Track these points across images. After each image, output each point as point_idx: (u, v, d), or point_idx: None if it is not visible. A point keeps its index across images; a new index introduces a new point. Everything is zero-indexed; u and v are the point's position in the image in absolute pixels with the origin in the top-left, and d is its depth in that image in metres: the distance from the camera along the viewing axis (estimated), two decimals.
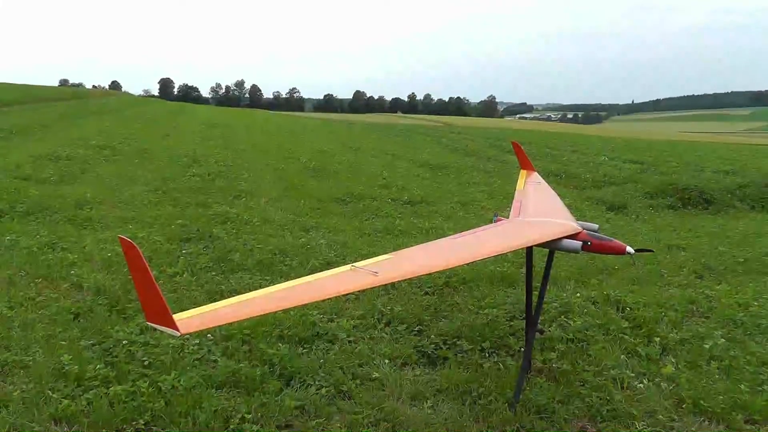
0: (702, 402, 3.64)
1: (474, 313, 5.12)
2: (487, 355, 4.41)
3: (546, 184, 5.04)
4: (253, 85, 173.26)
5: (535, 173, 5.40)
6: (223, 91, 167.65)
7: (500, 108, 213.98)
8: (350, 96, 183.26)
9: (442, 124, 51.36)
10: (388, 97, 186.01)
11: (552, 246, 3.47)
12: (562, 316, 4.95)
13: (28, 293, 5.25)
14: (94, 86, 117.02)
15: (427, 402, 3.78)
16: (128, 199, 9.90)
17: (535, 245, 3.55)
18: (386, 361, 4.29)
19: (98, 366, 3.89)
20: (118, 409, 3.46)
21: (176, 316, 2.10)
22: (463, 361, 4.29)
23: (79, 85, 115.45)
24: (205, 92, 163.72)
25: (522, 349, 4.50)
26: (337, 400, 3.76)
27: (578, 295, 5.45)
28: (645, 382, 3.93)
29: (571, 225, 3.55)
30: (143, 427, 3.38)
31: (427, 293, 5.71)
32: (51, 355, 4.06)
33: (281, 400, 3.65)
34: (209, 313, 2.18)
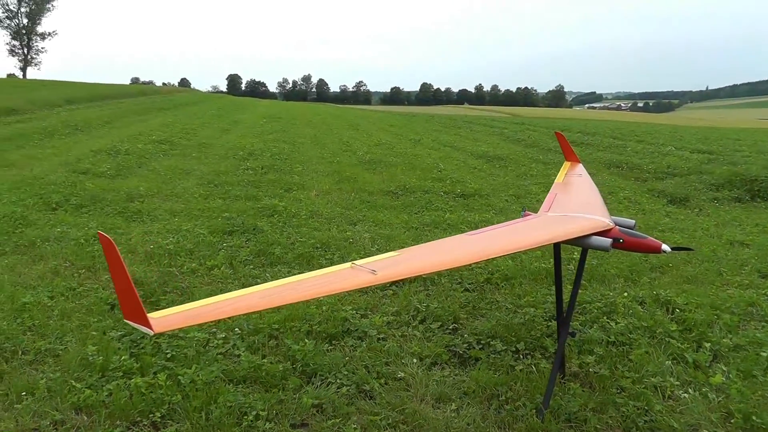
0: (754, 417, 3.34)
1: (512, 312, 4.95)
2: (521, 356, 4.25)
3: (588, 176, 4.81)
4: (320, 79, 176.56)
5: (580, 165, 5.17)
6: (290, 85, 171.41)
7: (569, 98, 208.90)
8: (417, 88, 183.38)
9: (508, 115, 50.49)
10: (455, 89, 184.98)
11: (579, 243, 3.28)
12: (605, 317, 4.71)
13: (70, 283, 5.47)
14: (163, 83, 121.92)
15: (451, 404, 3.67)
16: (180, 192, 10.21)
17: (561, 242, 3.38)
18: (414, 360, 4.21)
19: (123, 357, 3.99)
20: (137, 400, 3.53)
21: (152, 315, 2.10)
22: (494, 363, 4.15)
23: (150, 82, 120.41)
24: (273, 87, 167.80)
25: None
26: (357, 399, 3.71)
27: (625, 294, 5.18)
28: (690, 391, 3.66)
29: (602, 221, 3.36)
30: (159, 420, 3.43)
31: (467, 290, 5.58)
32: (82, 344, 4.21)
33: (299, 398, 3.64)
34: (187, 312, 2.15)
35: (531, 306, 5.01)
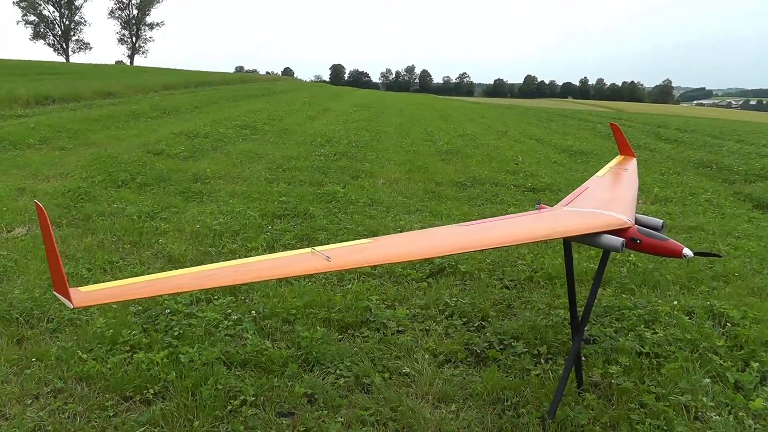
0: None
1: (544, 313, 4.69)
2: (541, 361, 4.01)
3: (634, 172, 4.48)
4: (423, 70, 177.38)
5: (633, 160, 4.83)
6: (393, 76, 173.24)
7: (676, 93, 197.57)
8: (521, 81, 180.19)
9: (610, 110, 48.38)
10: (560, 82, 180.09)
11: (587, 241, 3.04)
12: (643, 326, 4.35)
13: (111, 257, 5.76)
14: (267, 72, 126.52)
15: (452, 405, 3.54)
16: (247, 175, 10.51)
17: (568, 239, 3.14)
18: (427, 356, 4.09)
19: (134, 332, 4.14)
20: (133, 375, 3.65)
21: (81, 289, 2.11)
22: (512, 365, 3.95)
23: (253, 71, 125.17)
24: (375, 77, 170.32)
25: (584, 357, 4.05)
26: (353, 392, 3.64)
27: (675, 302, 4.77)
28: (724, 414, 3.30)
29: (618, 218, 3.08)
30: (152, 396, 3.52)
31: (506, 287, 5.36)
32: (102, 317, 4.41)
33: (292, 386, 3.62)
34: (114, 288, 2.13)
35: (565, 308, 4.73)
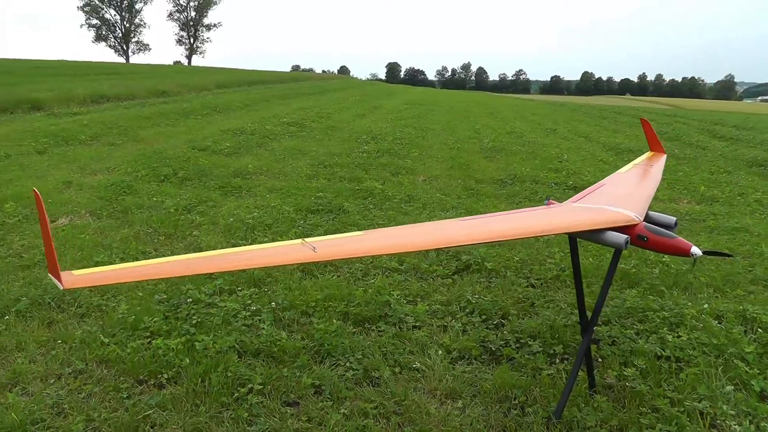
0: None
1: (565, 313, 4.62)
2: (556, 361, 3.96)
3: (660, 169, 4.37)
4: (479, 67, 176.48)
5: (663, 157, 4.71)
6: (449, 73, 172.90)
7: (739, 89, 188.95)
8: (578, 77, 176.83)
9: (668, 107, 46.86)
10: (617, 78, 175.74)
11: (592, 237, 2.99)
12: (666, 329, 4.23)
13: (145, 248, 5.98)
14: (323, 71, 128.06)
15: (458, 402, 3.54)
16: (288, 171, 10.70)
17: (570, 234, 3.10)
18: (440, 352, 4.09)
19: (155, 319, 4.30)
20: (149, 360, 3.80)
21: (74, 272, 2.20)
22: (525, 364, 3.91)
23: (309, 70, 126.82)
24: (431, 75, 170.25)
25: (601, 359, 3.98)
26: (361, 385, 3.68)
27: (705, 305, 4.62)
28: (745, 424, 3.17)
29: (625, 215, 3.02)
30: (165, 380, 3.66)
31: (531, 285, 5.31)
32: (125, 303, 4.60)
33: (300, 376, 3.69)
34: (104, 272, 2.22)
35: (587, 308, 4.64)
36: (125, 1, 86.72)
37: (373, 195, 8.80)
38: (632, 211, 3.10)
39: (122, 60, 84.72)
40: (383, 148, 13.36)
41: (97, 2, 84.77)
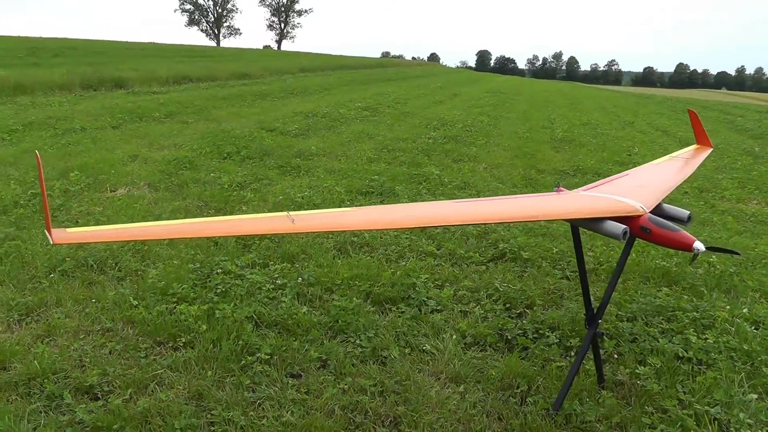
0: None
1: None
2: (570, 354, 3.89)
3: (695, 163, 4.17)
4: (571, 57, 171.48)
5: (707, 151, 4.48)
6: (540, 62, 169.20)
7: None
8: (672, 69, 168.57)
9: (763, 103, 43.85)
10: (714, 71, 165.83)
11: (590, 226, 2.92)
12: (693, 329, 4.05)
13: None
14: (413, 58, 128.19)
15: (461, 386, 3.55)
16: (352, 154, 10.86)
17: (570, 221, 3.03)
18: (455, 336, 4.10)
19: (184, 286, 4.53)
20: (170, 324, 4.01)
21: (69, 230, 2.37)
22: (539, 355, 3.87)
23: (399, 57, 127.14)
24: (522, 64, 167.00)
25: (618, 354, 3.87)
26: (367, 363, 3.75)
27: (744, 310, 4.38)
28: None
29: (628, 205, 2.92)
30: (182, 344, 3.86)
31: (566, 277, 5.20)
32: (161, 270, 4.86)
33: (307, 349, 3.80)
34: (93, 231, 2.38)
35: (614, 303, 4.52)
36: None
37: (429, 180, 8.82)
38: (638, 202, 3.00)
39: (213, 44, 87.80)
40: (451, 135, 13.32)
41: None
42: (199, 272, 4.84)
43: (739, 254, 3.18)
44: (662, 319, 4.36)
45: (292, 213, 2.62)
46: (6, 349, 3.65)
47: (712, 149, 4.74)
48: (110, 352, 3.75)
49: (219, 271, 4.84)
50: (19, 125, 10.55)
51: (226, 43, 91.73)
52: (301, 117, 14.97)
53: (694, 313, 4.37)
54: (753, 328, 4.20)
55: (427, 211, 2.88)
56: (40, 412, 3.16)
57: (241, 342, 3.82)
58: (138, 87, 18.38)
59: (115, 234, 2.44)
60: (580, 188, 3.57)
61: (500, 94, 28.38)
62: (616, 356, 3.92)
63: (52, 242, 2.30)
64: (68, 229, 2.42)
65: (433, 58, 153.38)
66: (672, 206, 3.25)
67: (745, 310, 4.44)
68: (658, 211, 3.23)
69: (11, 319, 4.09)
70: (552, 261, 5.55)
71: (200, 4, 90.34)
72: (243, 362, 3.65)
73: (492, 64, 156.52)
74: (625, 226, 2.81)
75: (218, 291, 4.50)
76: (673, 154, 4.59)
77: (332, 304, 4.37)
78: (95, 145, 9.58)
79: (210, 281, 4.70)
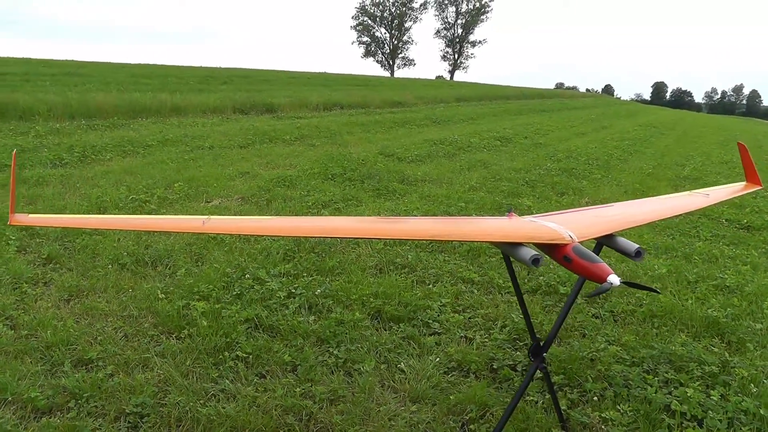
0: None
1: (599, 349, 4.23)
2: (548, 392, 3.71)
3: (717, 197, 3.81)
4: (753, 90, 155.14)
5: (755, 188, 4.01)
6: (718, 96, 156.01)
7: None
8: None
9: None
10: None
11: (508, 251, 2.82)
12: (699, 383, 3.66)
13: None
14: (587, 90, 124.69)
15: (414, 406, 3.53)
16: (456, 181, 10.92)
17: (490, 243, 2.95)
18: (438, 358, 4.08)
19: (210, 286, 4.92)
20: (181, 317, 4.41)
21: (30, 215, 2.80)
22: (516, 387, 3.74)
23: (573, 88, 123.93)
24: (699, 97, 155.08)
25: (598, 397, 3.62)
26: (334, 372, 3.85)
27: None
28: None
29: (553, 233, 2.78)
30: (184, 335, 4.22)
31: (596, 317, 4.90)
32: (184, 269, 5.32)
33: (283, 353, 3.99)
34: (50, 218, 2.78)
35: (622, 345, 4.21)
36: (395, 20, 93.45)
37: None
38: (569, 231, 2.86)
39: (387, 74, 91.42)
40: (568, 167, 12.88)
41: (369, 22, 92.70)
42: (232, 276, 5.23)
43: (658, 292, 2.89)
44: (671, 368, 4.00)
45: (213, 217, 2.87)
46: (45, 321, 4.25)
47: (761, 187, 4.27)
48: (123, 336, 4.21)
49: (247, 276, 5.20)
50: (156, 141, 11.94)
51: (400, 73, 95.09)
52: (428, 144, 15.24)
53: (713, 368, 3.96)
54: None
55: (331, 224, 2.97)
56: (40, 374, 3.66)
57: (228, 339, 4.11)
58: (285, 112, 19.79)
59: (62, 221, 2.85)
60: (539, 214, 3.44)
61: (651, 128, 26.69)
62: (596, 398, 3.68)
63: (8, 223, 2.73)
64: (30, 215, 2.86)
65: (607, 90, 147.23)
66: (624, 239, 3.05)
67: None
68: (609, 242, 3.06)
69: (61, 298, 4.73)
70: (590, 300, 5.25)
71: (377, 37, 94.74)
72: (220, 357, 3.94)
73: (668, 97, 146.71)
74: (534, 253, 2.71)
75: (235, 293, 4.85)
76: (704, 189, 4.20)
77: (330, 316, 4.54)
78: (214, 162, 10.56)
79: (233, 285, 5.06)
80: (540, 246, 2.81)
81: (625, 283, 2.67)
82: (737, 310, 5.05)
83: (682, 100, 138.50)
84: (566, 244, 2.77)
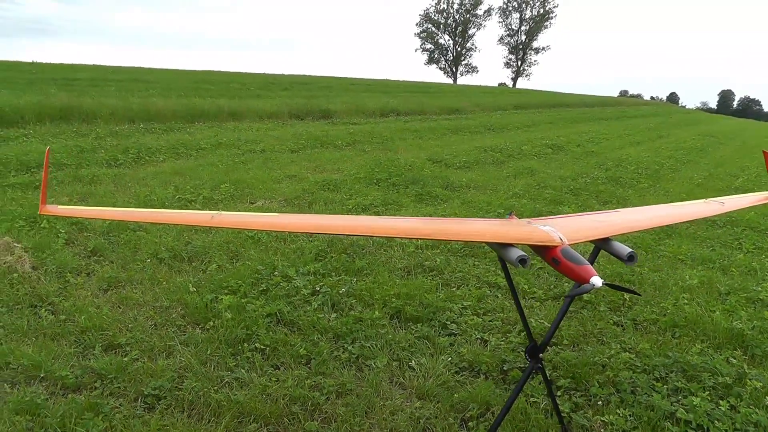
0: None
1: (611, 356, 4.19)
2: (557, 393, 3.69)
3: (732, 206, 3.73)
4: None
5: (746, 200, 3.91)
6: None
7: None
8: None
9: None
10: None
11: (501, 252, 2.87)
12: (708, 393, 3.58)
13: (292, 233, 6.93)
14: (651, 98, 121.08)
15: (419, 402, 3.61)
16: (501, 188, 10.90)
17: (488, 244, 2.99)
18: (450, 358, 4.13)
19: (239, 282, 5.10)
20: (209, 310, 4.61)
21: (59, 206, 3.02)
22: (523, 389, 3.73)
23: (637, 96, 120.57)
24: None
25: (602, 402, 3.60)
26: (347, 367, 3.95)
27: None
28: None
29: (544, 235, 2.81)
30: (208, 327, 4.42)
31: (618, 324, 4.84)
32: (215, 264, 5.53)
33: (299, 346, 4.13)
34: (76, 209, 3.02)
35: (637, 353, 4.16)
36: (459, 27, 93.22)
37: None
38: (561, 234, 2.88)
39: (450, 81, 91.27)
40: (615, 176, 12.62)
41: (433, 29, 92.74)
42: (262, 273, 5.42)
43: (639, 294, 2.86)
44: (683, 377, 3.93)
45: (222, 212, 3.03)
46: (82, 308, 4.53)
47: None
48: (153, 325, 4.44)
49: (276, 274, 5.38)
50: (209, 144, 12.36)
51: (462, 80, 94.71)
52: (478, 151, 15.20)
53: (727, 379, 3.87)
54: None
55: (329, 222, 3.09)
56: (72, 355, 3.92)
57: (249, 331, 4.28)
58: (341, 118, 20.09)
59: (92, 213, 3.08)
60: (540, 217, 3.46)
61: (710, 138, 25.72)
62: (600, 403, 3.66)
63: (39, 212, 2.96)
64: (59, 206, 3.09)
65: (672, 98, 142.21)
66: (619, 243, 3.05)
67: None
68: (605, 246, 3.06)
69: (101, 288, 5.02)
70: (614, 306, 5.19)
71: (441, 44, 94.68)
72: (239, 347, 4.11)
73: (735, 106, 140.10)
74: (520, 253, 2.75)
75: (261, 289, 5.03)
76: (723, 198, 4.12)
77: (349, 314, 4.65)
78: (264, 165, 10.86)
79: (262, 281, 5.24)
80: (534, 248, 2.85)
81: (608, 284, 2.68)
82: (766, 323, 4.89)
83: (750, 108, 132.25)
84: (555, 247, 2.80)
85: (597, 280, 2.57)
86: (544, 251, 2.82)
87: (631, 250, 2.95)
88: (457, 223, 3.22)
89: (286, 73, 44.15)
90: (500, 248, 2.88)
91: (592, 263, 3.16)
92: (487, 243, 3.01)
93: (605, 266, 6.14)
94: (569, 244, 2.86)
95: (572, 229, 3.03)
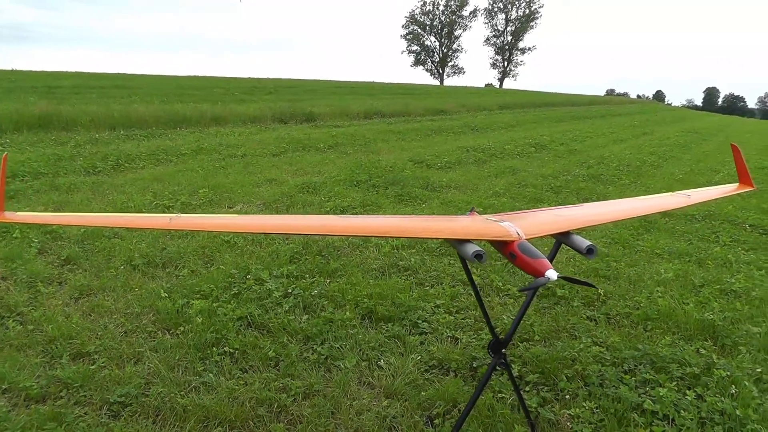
0: None
1: (581, 350, 4.20)
2: (526, 388, 3.68)
3: (699, 198, 3.75)
4: None
5: (746, 188, 3.92)
6: None
7: None
8: None
9: None
10: None
11: (457, 248, 2.87)
12: (675, 384, 3.59)
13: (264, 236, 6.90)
14: (638, 96, 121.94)
15: (386, 401, 3.59)
16: (481, 187, 10.92)
17: (447, 240, 3.00)
18: (419, 357, 4.12)
19: (210, 287, 5.08)
20: (180, 315, 4.58)
21: (18, 213, 2.98)
22: (492, 386, 3.74)
23: (624, 95, 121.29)
24: (752, 103, 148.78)
25: (570, 395, 3.60)
26: (315, 368, 3.93)
27: (759, 369, 3.78)
28: None
29: (500, 230, 2.81)
30: (179, 332, 4.38)
31: (591, 319, 4.84)
32: (188, 269, 5.50)
33: (268, 348, 4.11)
34: (33, 215, 2.97)
35: (608, 347, 4.16)
36: (445, 29, 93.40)
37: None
38: (515, 228, 2.88)
39: (436, 82, 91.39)
40: (596, 174, 12.68)
41: (419, 30, 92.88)
42: (235, 277, 5.39)
43: (594, 287, 2.87)
44: (651, 369, 3.94)
45: (183, 215, 3.01)
46: (51, 317, 4.48)
47: (754, 189, 4.16)
48: (124, 332, 4.40)
49: (249, 277, 5.35)
50: (190, 150, 12.30)
51: (449, 81, 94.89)
52: (460, 152, 15.21)
53: (694, 369, 3.88)
54: (759, 391, 3.63)
55: (291, 222, 3.08)
56: (38, 365, 3.87)
57: (218, 335, 4.25)
58: (324, 121, 20.06)
59: (43, 219, 3.04)
60: (501, 213, 3.46)
61: (693, 134, 25.89)
62: (567, 396, 3.66)
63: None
64: (18, 213, 3.05)
65: (658, 96, 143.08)
66: (578, 237, 3.05)
67: (759, 369, 3.84)
68: (566, 239, 3.07)
69: (72, 297, 4.97)
70: (588, 302, 5.20)
71: (427, 46, 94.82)
72: (208, 351, 4.08)
73: (720, 103, 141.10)
74: (476, 249, 2.75)
75: (233, 293, 5.00)
76: (689, 191, 4.13)
77: (321, 315, 4.63)
78: (245, 169, 10.82)
79: (234, 285, 5.21)
80: (492, 243, 2.85)
81: (563, 277, 2.69)
82: (738, 314, 4.92)
83: (734, 105, 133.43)
84: (512, 241, 2.80)
85: (552, 274, 2.57)
86: (502, 246, 2.81)
87: (590, 243, 2.95)
88: (416, 221, 3.22)
89: (271, 76, 44.04)
90: (457, 244, 2.88)
91: (552, 257, 3.18)
92: (445, 239, 3.01)
93: (581, 263, 6.17)
94: (527, 239, 2.87)
95: (531, 223, 3.03)
